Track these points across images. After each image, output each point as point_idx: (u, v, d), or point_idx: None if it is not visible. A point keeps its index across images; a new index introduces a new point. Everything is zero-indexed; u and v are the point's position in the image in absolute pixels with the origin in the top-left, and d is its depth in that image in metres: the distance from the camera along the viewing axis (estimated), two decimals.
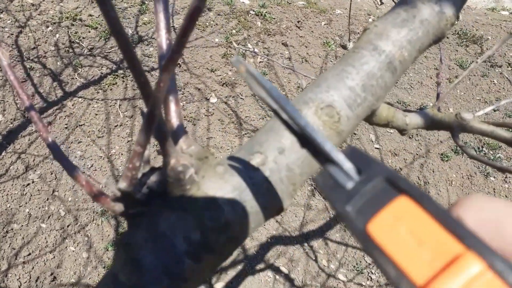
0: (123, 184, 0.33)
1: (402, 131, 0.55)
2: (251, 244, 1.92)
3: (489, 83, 2.66)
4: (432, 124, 0.56)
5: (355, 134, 2.37)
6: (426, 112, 0.57)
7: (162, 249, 0.32)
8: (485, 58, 0.51)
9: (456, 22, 3.02)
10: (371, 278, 1.90)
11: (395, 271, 0.16)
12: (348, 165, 0.19)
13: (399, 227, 0.16)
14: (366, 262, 1.94)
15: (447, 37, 2.88)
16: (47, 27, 2.67)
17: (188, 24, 0.25)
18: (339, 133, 0.39)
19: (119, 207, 0.37)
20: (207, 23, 2.76)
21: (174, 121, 0.39)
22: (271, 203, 0.36)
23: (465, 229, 0.15)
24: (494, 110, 2.46)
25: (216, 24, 2.75)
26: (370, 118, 0.48)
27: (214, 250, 0.33)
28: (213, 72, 2.48)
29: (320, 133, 0.23)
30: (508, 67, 2.75)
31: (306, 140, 0.23)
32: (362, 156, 0.19)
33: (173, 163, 0.34)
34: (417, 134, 2.39)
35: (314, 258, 1.91)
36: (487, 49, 2.84)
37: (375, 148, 2.30)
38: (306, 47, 2.64)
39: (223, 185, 0.35)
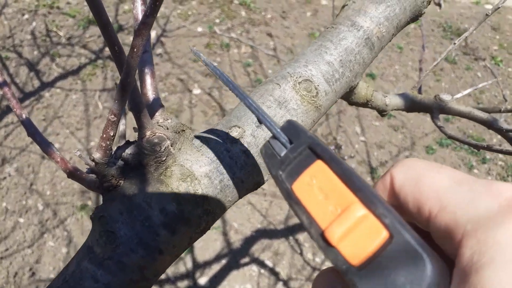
0: (97, 155, 0.32)
1: (382, 112, 0.55)
2: (235, 238, 1.92)
3: (473, 76, 2.72)
4: (412, 105, 0.57)
5: (340, 126, 2.39)
6: (406, 94, 0.58)
7: (137, 220, 0.31)
8: (462, 40, 0.52)
9: (439, 10, 3.06)
10: None
11: (308, 219, 0.20)
12: (282, 137, 0.23)
13: (313, 185, 0.20)
14: None
15: (432, 30, 2.93)
16: (23, 15, 2.58)
17: None
18: (317, 108, 0.39)
19: (94, 182, 0.36)
20: (190, 12, 2.73)
21: (150, 94, 0.38)
22: (248, 177, 0.36)
23: (360, 184, 0.19)
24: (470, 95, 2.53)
25: (199, 13, 2.72)
26: (349, 96, 0.48)
27: (190, 222, 0.32)
28: (196, 62, 2.45)
29: (263, 111, 0.26)
30: (491, 60, 2.82)
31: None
32: (295, 128, 0.23)
33: (149, 135, 0.34)
34: (402, 127, 2.43)
35: (299, 252, 1.92)
36: (471, 42, 2.90)
37: (361, 140, 2.33)
38: (291, 38, 2.64)
39: (200, 157, 0.34)
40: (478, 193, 0.17)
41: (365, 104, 0.50)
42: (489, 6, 3.32)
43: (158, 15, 2.67)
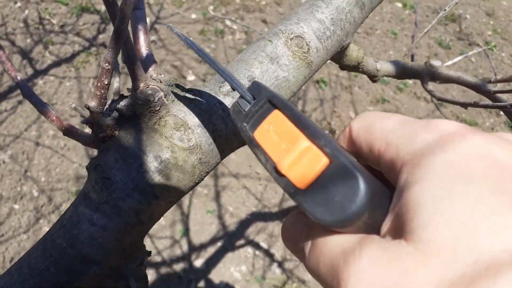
0: (92, 103, 0.32)
1: (372, 77, 0.56)
2: (230, 221, 1.94)
3: (467, 61, 2.73)
4: (403, 72, 0.57)
5: (335, 112, 2.39)
6: (397, 61, 0.58)
7: (132, 167, 0.32)
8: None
9: None
10: None
11: (265, 158, 0.23)
12: (247, 96, 0.26)
13: (270, 130, 0.23)
14: None
15: (427, 16, 2.93)
16: (15, 3, 2.55)
17: None
18: (308, 64, 0.40)
19: (89, 137, 0.37)
20: None
21: (143, 50, 0.39)
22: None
23: (307, 123, 0.22)
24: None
25: (193, 0, 2.70)
26: (341, 58, 0.48)
27: (184, 169, 0.33)
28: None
29: (230, 74, 0.29)
30: (485, 45, 2.83)
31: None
32: (258, 87, 0.26)
33: (142, 86, 0.34)
34: (396, 111, 2.43)
35: None
36: (465, 27, 2.91)
37: None
38: None
39: (193, 108, 0.35)
40: (418, 129, 0.20)
41: (356, 68, 0.51)
42: None
43: (152, 1, 2.64)
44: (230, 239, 1.89)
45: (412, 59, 0.61)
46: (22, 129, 2.08)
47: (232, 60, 0.40)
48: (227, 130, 0.36)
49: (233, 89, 0.29)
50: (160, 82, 0.36)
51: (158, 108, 0.34)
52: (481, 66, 2.76)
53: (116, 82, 0.42)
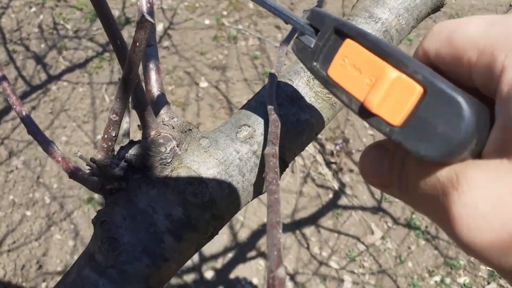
0: (99, 156, 0.30)
1: None
2: (242, 232, 1.91)
3: None
4: None
5: (348, 120, 2.35)
6: None
7: (141, 227, 0.30)
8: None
9: (454, 1, 2.99)
10: (363, 266, 1.91)
11: (347, 97, 0.21)
12: (308, 30, 0.23)
13: (346, 65, 0.21)
14: (359, 249, 1.94)
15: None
16: (30, 8, 2.57)
17: None
18: (332, 105, 0.37)
19: (96, 183, 0.34)
20: (197, 4, 2.69)
21: (155, 90, 0.36)
22: (259, 179, 0.34)
23: (388, 49, 0.19)
24: None
25: (206, 6, 2.68)
26: None
27: (197, 228, 0.30)
28: (203, 55, 2.43)
29: (284, 9, 0.26)
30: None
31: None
32: (319, 15, 0.23)
33: (153, 135, 0.32)
34: None
35: (306, 246, 1.91)
36: None
37: (369, 134, 2.29)
38: None
39: (207, 159, 0.32)
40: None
41: None
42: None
43: (165, 7, 2.64)
44: (241, 251, 1.86)
45: None
46: None
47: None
48: (244, 182, 0.33)
49: (286, 22, 0.25)
50: (173, 128, 0.33)
51: (169, 160, 0.31)
52: None
53: (125, 123, 0.39)
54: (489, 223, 0.15)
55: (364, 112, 0.19)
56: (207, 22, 2.58)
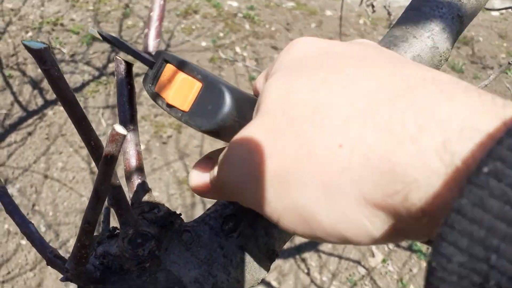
0: (72, 265, 0.28)
1: None
2: None
3: (481, 85, 2.65)
4: None
5: None
6: None
7: None
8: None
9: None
10: None
11: (162, 101, 0.28)
12: (147, 62, 0.30)
13: (165, 80, 0.28)
14: (359, 273, 1.90)
15: None
16: (27, 32, 2.58)
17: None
18: None
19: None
20: (193, 27, 2.70)
21: (135, 178, 0.34)
22: (246, 275, 0.31)
23: (186, 64, 0.27)
24: None
25: (203, 28, 2.69)
26: None
27: None
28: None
29: (138, 51, 0.31)
30: (499, 68, 2.75)
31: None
32: (159, 53, 0.29)
33: (131, 234, 0.30)
34: None
35: (306, 271, 1.87)
36: (478, 50, 2.83)
37: None
38: None
39: (189, 258, 0.30)
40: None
41: None
42: (496, 13, 3.25)
43: (163, 29, 2.64)
44: None
45: None
46: (31, 161, 2.07)
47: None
48: (230, 281, 0.31)
49: (140, 61, 0.31)
50: (153, 222, 0.31)
51: (147, 264, 0.29)
52: (495, 90, 2.67)
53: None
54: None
55: (167, 106, 0.27)
56: (203, 44, 2.59)
